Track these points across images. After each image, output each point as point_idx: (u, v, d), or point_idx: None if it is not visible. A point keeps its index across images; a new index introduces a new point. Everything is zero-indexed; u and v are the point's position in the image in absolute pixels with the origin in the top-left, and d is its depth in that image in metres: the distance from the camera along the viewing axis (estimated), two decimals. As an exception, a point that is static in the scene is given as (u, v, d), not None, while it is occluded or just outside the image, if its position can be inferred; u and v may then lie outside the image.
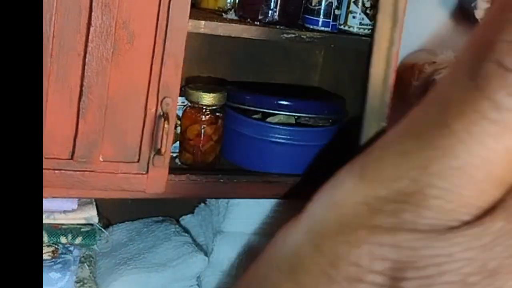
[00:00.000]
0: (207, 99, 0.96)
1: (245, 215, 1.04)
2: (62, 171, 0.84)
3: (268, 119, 1.02)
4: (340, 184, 0.24)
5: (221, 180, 0.93)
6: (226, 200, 1.06)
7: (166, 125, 0.85)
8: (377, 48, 0.84)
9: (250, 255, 1.01)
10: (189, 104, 0.96)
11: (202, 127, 0.96)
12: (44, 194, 0.84)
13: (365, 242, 0.22)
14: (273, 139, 0.99)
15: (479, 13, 1.00)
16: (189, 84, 0.99)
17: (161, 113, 0.86)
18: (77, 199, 0.95)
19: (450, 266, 0.20)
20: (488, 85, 0.20)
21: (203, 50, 1.11)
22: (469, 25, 1.04)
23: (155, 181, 0.88)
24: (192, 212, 1.15)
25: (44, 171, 0.84)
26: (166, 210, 1.16)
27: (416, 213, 0.21)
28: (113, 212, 1.10)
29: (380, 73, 0.87)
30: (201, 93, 0.96)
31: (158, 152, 0.86)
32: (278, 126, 0.99)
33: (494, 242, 0.20)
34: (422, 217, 0.21)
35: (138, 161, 0.87)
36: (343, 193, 0.24)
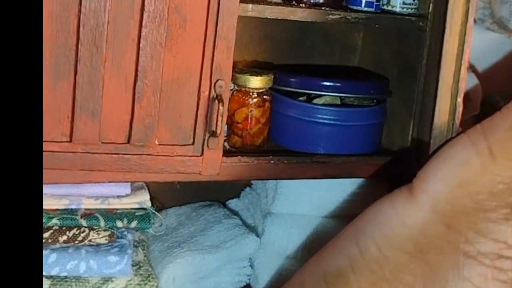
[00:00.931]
0: (255, 82, 0.97)
1: (295, 196, 1.05)
2: (120, 155, 0.86)
3: (314, 101, 1.03)
4: (466, 164, 0.24)
5: (272, 162, 0.94)
6: (274, 182, 1.07)
7: (220, 107, 0.86)
8: (450, 23, 0.85)
9: (308, 236, 1.03)
10: (236, 87, 0.97)
11: (250, 110, 0.97)
12: (102, 179, 0.86)
13: (509, 219, 0.22)
14: (320, 120, 0.99)
15: (476, 13, 1.01)
16: (235, 68, 1.00)
17: (215, 96, 0.87)
18: (130, 184, 0.97)
19: None
20: None
21: (244, 35, 1.12)
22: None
23: (210, 163, 0.89)
24: (238, 197, 1.17)
25: (102, 155, 0.85)
26: (212, 195, 1.18)
27: None
28: (161, 198, 1.12)
29: (454, 48, 0.88)
30: (248, 76, 0.97)
31: (213, 134, 0.87)
32: (324, 107, 1.00)
33: None
34: None
35: (193, 143, 0.88)
36: (471, 172, 0.24)
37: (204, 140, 0.88)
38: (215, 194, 1.18)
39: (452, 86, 0.89)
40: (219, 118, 0.87)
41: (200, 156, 0.88)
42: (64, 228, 0.91)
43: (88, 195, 0.93)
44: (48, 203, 0.92)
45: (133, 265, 0.93)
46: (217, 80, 0.87)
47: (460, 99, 0.88)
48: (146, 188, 0.99)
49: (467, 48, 0.88)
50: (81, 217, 0.91)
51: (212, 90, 0.87)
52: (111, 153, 0.85)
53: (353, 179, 1.04)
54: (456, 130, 0.87)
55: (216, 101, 0.87)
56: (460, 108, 0.88)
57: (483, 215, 0.23)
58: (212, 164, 0.89)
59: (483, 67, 1.09)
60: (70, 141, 0.84)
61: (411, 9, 1.01)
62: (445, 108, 0.89)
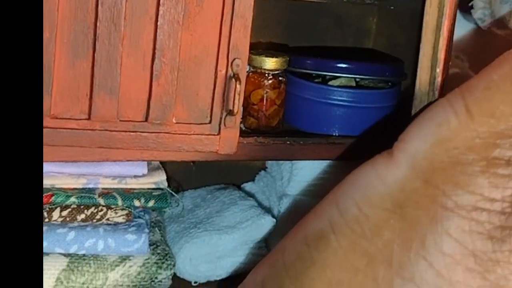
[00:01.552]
0: (270, 63, 0.97)
1: (310, 177, 1.06)
2: (138, 133, 0.86)
3: (330, 83, 1.03)
4: (444, 122, 0.24)
5: (288, 142, 0.95)
6: (289, 164, 1.08)
7: (238, 85, 0.87)
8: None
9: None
10: (252, 69, 0.98)
11: (265, 91, 0.98)
12: (119, 157, 0.86)
13: (485, 172, 0.22)
14: (335, 102, 1.00)
15: (475, 13, 1.01)
16: (250, 50, 1.01)
17: (232, 74, 0.87)
18: (146, 164, 0.97)
19: None
20: None
21: (258, 18, 1.12)
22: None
23: (227, 142, 0.89)
24: (253, 180, 1.17)
25: (120, 133, 0.86)
26: (227, 179, 1.18)
27: None
28: (177, 180, 1.13)
29: (434, 20, 0.89)
30: (264, 57, 0.97)
31: (230, 112, 0.88)
32: (339, 89, 1.00)
33: None
34: None
35: (210, 122, 0.89)
36: (449, 130, 0.25)
37: (221, 118, 0.88)
38: (230, 177, 1.18)
39: (431, 57, 0.90)
40: (236, 96, 0.87)
41: (217, 135, 0.89)
42: (82, 206, 0.92)
43: (106, 175, 0.94)
44: (66, 182, 0.92)
45: (150, 245, 0.94)
46: (234, 59, 0.87)
47: (439, 70, 0.89)
48: (162, 168, 0.99)
49: (445, 20, 0.89)
50: (99, 196, 0.92)
51: (229, 68, 0.87)
52: (129, 131, 0.86)
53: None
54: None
55: (233, 80, 0.87)
56: (439, 79, 0.89)
57: (460, 169, 0.24)
58: (229, 143, 0.89)
59: (482, 68, 1.09)
60: (89, 118, 0.84)
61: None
62: (425, 79, 0.90)
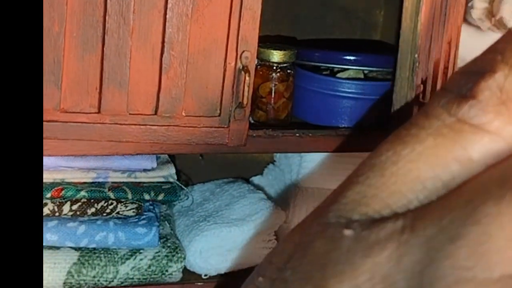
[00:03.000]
0: (278, 56, 0.97)
1: (319, 170, 1.06)
2: (147, 126, 0.86)
3: (338, 75, 1.03)
4: None
5: (297, 135, 0.95)
6: (298, 157, 1.08)
7: (247, 78, 0.87)
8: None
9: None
10: (260, 62, 0.98)
11: (274, 84, 0.98)
12: (129, 150, 0.86)
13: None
14: (343, 94, 1.00)
15: (476, 13, 1.00)
16: (259, 43, 1.01)
17: (241, 67, 0.87)
18: (155, 158, 0.97)
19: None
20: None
21: (266, 12, 1.12)
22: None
23: (237, 134, 0.89)
24: (261, 174, 1.17)
25: (130, 126, 0.86)
26: (235, 173, 1.18)
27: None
28: (187, 173, 1.13)
29: (413, 6, 0.89)
30: (272, 50, 0.97)
31: (239, 105, 0.88)
32: (348, 81, 1.00)
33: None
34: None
35: (220, 115, 0.88)
36: None
37: (230, 111, 0.88)
38: (239, 171, 1.18)
39: (411, 42, 0.91)
40: (246, 89, 0.87)
41: (227, 127, 0.89)
42: (92, 200, 0.92)
43: (115, 169, 0.94)
44: (76, 177, 0.92)
45: (160, 238, 0.94)
46: (243, 51, 0.87)
47: (417, 55, 0.90)
48: (171, 162, 1.00)
49: (423, 6, 0.89)
50: (109, 190, 0.92)
51: (238, 61, 0.87)
52: (139, 124, 0.86)
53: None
54: (415, 85, 0.90)
55: (243, 72, 0.87)
56: (417, 64, 0.90)
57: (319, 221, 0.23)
58: (239, 135, 0.89)
59: None
60: (99, 112, 0.84)
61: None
62: (405, 64, 0.91)
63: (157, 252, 0.92)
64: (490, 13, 1.00)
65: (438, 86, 0.95)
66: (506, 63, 0.20)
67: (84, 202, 0.92)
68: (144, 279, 0.92)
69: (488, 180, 0.19)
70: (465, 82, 0.20)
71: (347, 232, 0.21)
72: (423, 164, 0.20)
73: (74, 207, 0.91)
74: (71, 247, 0.91)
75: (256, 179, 1.16)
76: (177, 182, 0.97)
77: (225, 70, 0.88)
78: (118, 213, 0.93)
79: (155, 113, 0.86)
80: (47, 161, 0.90)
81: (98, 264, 0.90)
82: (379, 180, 0.21)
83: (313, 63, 1.02)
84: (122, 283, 0.91)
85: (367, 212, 0.21)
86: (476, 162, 0.20)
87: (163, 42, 0.85)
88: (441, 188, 0.20)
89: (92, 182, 0.93)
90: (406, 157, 0.20)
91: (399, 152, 0.21)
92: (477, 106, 0.20)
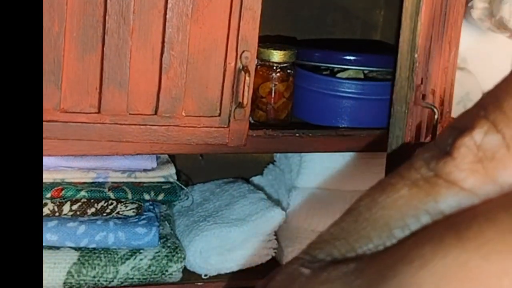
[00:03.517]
0: (278, 56, 0.97)
1: (319, 170, 1.06)
2: (147, 126, 0.86)
3: (338, 75, 1.03)
4: None
5: (297, 135, 0.95)
6: (298, 157, 1.08)
7: (247, 78, 0.87)
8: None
9: (333, 209, 1.03)
10: (260, 62, 0.98)
11: (274, 84, 0.98)
12: (129, 150, 0.86)
13: None
14: (344, 94, 1.00)
15: (476, 13, 1.00)
16: (259, 43, 1.01)
17: (241, 67, 0.87)
18: (155, 158, 0.97)
19: None
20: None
21: (266, 12, 1.12)
22: None
23: (237, 134, 0.89)
24: (261, 174, 1.17)
25: (130, 126, 0.86)
26: (235, 173, 1.18)
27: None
28: (186, 173, 1.13)
29: (413, 6, 0.89)
30: (272, 50, 0.97)
31: (239, 105, 0.88)
32: (348, 81, 1.00)
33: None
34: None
35: (220, 115, 0.89)
36: None
37: (230, 111, 0.88)
38: (239, 171, 1.18)
39: (411, 42, 0.91)
40: (246, 89, 0.87)
41: (227, 127, 0.89)
42: (92, 200, 0.92)
43: (115, 169, 0.94)
44: (76, 177, 0.92)
45: (160, 238, 0.94)
46: (243, 51, 0.87)
47: (417, 55, 0.90)
48: (171, 162, 1.00)
49: (423, 6, 0.89)
50: (109, 190, 0.92)
51: (238, 61, 0.87)
52: (139, 124, 0.86)
53: (377, 153, 1.04)
54: (415, 85, 0.90)
55: (242, 72, 0.87)
56: (417, 64, 0.90)
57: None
58: (239, 135, 0.89)
59: (483, 68, 1.09)
60: (99, 112, 0.84)
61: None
62: (405, 64, 0.91)
63: (157, 252, 0.92)
64: (490, 13, 1.00)
65: (438, 86, 0.95)
66: (487, 119, 0.20)
67: (84, 202, 0.92)
68: (144, 279, 0.92)
69: (437, 227, 0.20)
70: (448, 138, 0.21)
71: (304, 270, 0.21)
72: (395, 212, 0.20)
73: (74, 207, 0.91)
74: (71, 247, 0.91)
75: (256, 179, 1.16)
76: (177, 182, 0.97)
77: (225, 70, 0.88)
78: (118, 213, 0.93)
79: (155, 113, 0.86)
80: (47, 161, 0.89)
81: (98, 264, 0.90)
82: (352, 225, 0.21)
83: (313, 63, 1.03)
84: (122, 283, 0.91)
85: (333, 253, 0.21)
86: (446, 215, 0.20)
87: (163, 42, 0.85)
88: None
89: (92, 182, 0.93)
90: (380, 203, 0.21)
91: (376, 199, 0.21)
92: (451, 163, 0.20)
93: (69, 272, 0.89)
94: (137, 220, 0.93)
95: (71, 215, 0.91)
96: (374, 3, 1.19)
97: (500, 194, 0.20)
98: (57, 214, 0.91)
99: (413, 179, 0.21)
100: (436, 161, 0.20)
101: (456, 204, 0.20)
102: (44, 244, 0.89)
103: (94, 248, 0.91)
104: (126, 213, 0.93)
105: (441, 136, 0.21)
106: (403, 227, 0.20)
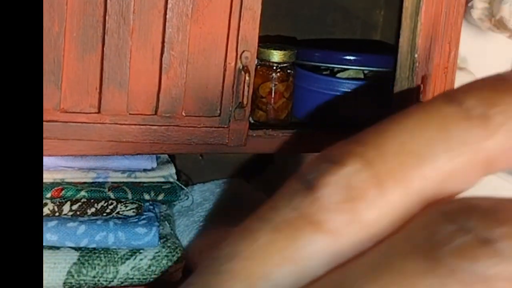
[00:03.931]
0: (278, 56, 0.97)
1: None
2: (147, 126, 0.86)
3: (338, 75, 1.03)
4: None
5: (297, 135, 0.95)
6: (298, 157, 1.08)
7: (247, 78, 0.87)
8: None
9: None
10: (260, 62, 0.98)
11: (274, 84, 0.98)
12: (129, 151, 0.86)
13: None
14: (344, 94, 1.00)
15: (476, 13, 1.00)
16: (259, 43, 1.01)
17: (241, 67, 0.87)
18: (155, 158, 0.97)
19: None
20: None
21: (266, 11, 1.12)
22: None
23: (237, 134, 0.89)
24: (261, 174, 1.17)
25: (130, 126, 0.86)
26: (234, 172, 1.18)
27: None
28: (187, 173, 1.13)
29: (413, 5, 0.89)
30: (272, 50, 0.97)
31: (239, 105, 0.88)
32: (348, 81, 1.00)
33: None
34: None
35: (220, 115, 0.89)
36: None
37: (230, 111, 0.88)
38: (239, 171, 1.18)
39: (411, 42, 0.91)
40: (246, 89, 0.87)
41: (227, 127, 0.89)
42: (92, 200, 0.92)
43: (115, 169, 0.94)
44: (76, 177, 0.92)
45: (160, 238, 0.94)
46: (243, 51, 0.87)
47: (417, 55, 0.90)
48: (171, 162, 1.00)
49: (423, 6, 0.89)
50: (109, 190, 0.92)
51: (238, 61, 0.87)
52: (139, 124, 0.86)
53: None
54: (415, 85, 0.90)
55: (243, 72, 0.87)
56: (417, 64, 0.90)
57: None
58: (239, 135, 0.89)
59: (483, 68, 1.09)
60: (98, 112, 0.84)
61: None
62: (405, 64, 0.91)
63: (157, 252, 0.92)
64: (490, 13, 1.00)
65: (438, 86, 0.95)
66: (361, 157, 0.19)
67: (84, 202, 0.92)
68: (144, 279, 0.92)
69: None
70: (315, 170, 0.19)
71: None
72: (257, 263, 0.19)
73: (74, 207, 0.91)
74: (71, 247, 0.91)
75: (256, 179, 1.16)
76: (177, 182, 0.97)
77: (225, 70, 0.88)
78: (118, 213, 0.93)
79: (155, 113, 0.86)
80: (47, 161, 0.89)
81: (98, 264, 0.90)
82: (214, 277, 0.19)
83: (313, 63, 1.03)
84: (122, 283, 0.91)
85: None
86: (312, 262, 0.19)
87: (163, 42, 0.85)
88: None
89: (92, 182, 0.93)
90: (240, 254, 0.19)
91: (236, 248, 0.19)
92: (317, 203, 0.19)
93: (69, 272, 0.89)
94: (137, 220, 0.93)
95: (71, 215, 0.91)
96: (374, 3, 1.19)
97: (368, 235, 0.18)
98: (57, 214, 0.91)
99: (274, 223, 0.19)
100: (301, 198, 0.19)
101: (320, 249, 0.18)
102: (44, 244, 0.89)
103: (94, 248, 0.91)
104: (126, 213, 0.93)
105: (308, 168, 0.20)
106: (264, 278, 0.19)
